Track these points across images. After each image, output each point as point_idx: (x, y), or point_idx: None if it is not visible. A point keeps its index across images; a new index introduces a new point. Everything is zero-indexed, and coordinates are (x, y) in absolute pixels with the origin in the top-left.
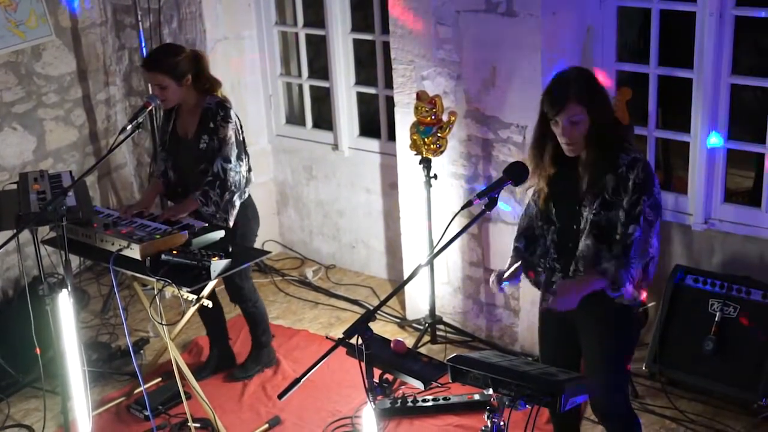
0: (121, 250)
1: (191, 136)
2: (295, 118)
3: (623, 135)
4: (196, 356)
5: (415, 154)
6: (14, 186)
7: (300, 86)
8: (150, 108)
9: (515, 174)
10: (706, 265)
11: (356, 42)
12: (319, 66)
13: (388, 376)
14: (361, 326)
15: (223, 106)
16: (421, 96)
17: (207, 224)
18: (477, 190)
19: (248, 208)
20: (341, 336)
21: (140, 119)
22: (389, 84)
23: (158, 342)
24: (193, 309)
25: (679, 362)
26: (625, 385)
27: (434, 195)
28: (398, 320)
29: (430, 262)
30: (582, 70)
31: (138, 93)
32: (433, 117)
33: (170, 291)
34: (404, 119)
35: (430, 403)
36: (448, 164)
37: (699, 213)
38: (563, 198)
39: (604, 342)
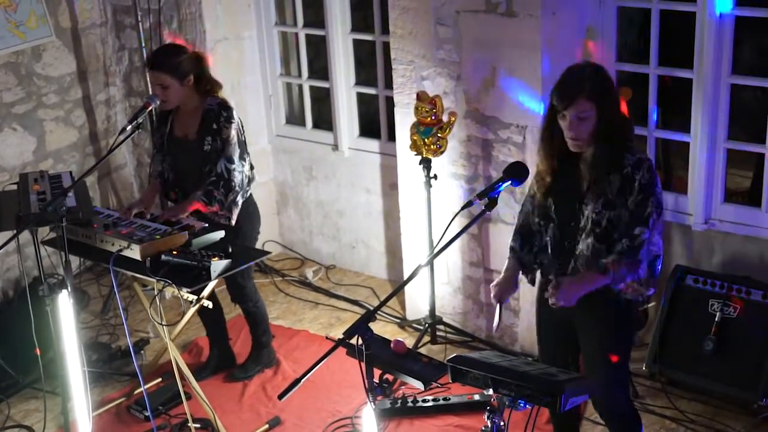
0: (121, 250)
1: (192, 138)
2: (295, 118)
3: (629, 135)
4: (196, 356)
5: (415, 155)
6: (14, 186)
7: (300, 86)
8: (150, 108)
9: (515, 174)
10: (706, 265)
11: (356, 42)
12: (319, 66)
13: (388, 377)
14: (361, 326)
15: (226, 106)
16: (421, 96)
17: (207, 224)
18: (477, 190)
19: (250, 206)
20: (341, 336)
21: (140, 120)
22: (389, 84)
23: (158, 342)
24: (193, 309)
25: (679, 362)
26: (626, 384)
27: (434, 195)
28: (398, 320)
29: (430, 263)
30: (597, 66)
31: (138, 93)
32: (433, 117)
33: (170, 291)
34: (404, 119)
35: (430, 404)
36: (448, 164)
37: (699, 213)
38: (563, 195)
39: (603, 341)
